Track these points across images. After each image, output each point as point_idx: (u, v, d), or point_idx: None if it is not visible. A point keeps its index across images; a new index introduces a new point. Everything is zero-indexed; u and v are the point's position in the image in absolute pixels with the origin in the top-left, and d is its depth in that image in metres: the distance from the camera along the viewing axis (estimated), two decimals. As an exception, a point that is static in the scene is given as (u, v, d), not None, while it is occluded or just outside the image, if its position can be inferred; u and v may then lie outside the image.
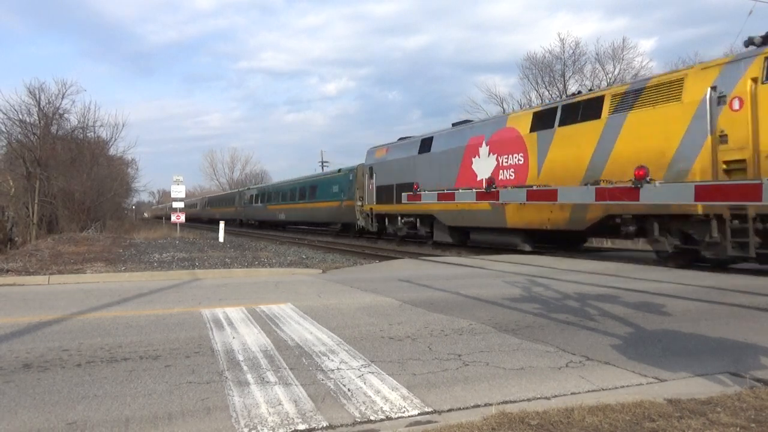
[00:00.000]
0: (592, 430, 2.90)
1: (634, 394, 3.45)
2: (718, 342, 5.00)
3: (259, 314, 6.23)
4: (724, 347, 4.81)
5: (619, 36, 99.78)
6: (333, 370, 4.05)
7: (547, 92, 51.42)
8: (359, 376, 3.90)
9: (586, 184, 14.10)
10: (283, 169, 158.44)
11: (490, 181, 17.19)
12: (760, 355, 4.51)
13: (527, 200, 15.71)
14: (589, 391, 3.59)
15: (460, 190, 18.74)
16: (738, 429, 2.89)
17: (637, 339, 5.09)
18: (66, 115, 31.21)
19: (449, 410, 3.26)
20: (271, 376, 3.90)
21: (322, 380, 3.82)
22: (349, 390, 3.60)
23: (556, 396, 3.50)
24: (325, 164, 67.08)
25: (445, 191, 19.58)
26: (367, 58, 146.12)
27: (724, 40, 67.87)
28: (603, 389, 3.65)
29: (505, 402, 3.37)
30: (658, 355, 4.51)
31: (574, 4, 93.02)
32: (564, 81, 50.61)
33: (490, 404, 3.32)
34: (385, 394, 3.53)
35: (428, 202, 20.28)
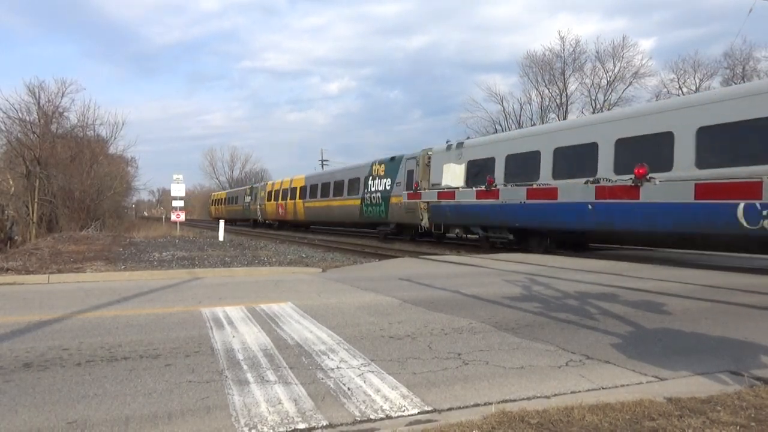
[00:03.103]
0: (592, 428, 2.90)
1: (634, 393, 3.45)
2: (719, 341, 4.99)
3: (259, 313, 6.23)
4: (725, 346, 4.81)
5: (618, 36, 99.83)
6: (333, 369, 4.05)
7: (547, 90, 51.42)
8: (359, 375, 3.90)
9: (586, 182, 14.19)
10: (283, 168, 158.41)
11: (491, 180, 17.15)
12: (760, 354, 4.51)
13: (527, 199, 15.89)
14: (589, 390, 3.59)
15: (460, 189, 18.86)
16: (738, 428, 2.89)
17: (638, 338, 5.09)
18: (66, 114, 31.22)
19: (449, 409, 3.26)
20: (271, 375, 3.90)
21: (322, 379, 3.81)
22: (349, 389, 3.60)
23: (556, 395, 3.50)
24: (325, 163, 66.85)
25: (445, 190, 19.66)
26: (368, 59, 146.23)
27: (723, 40, 67.90)
28: (603, 388, 3.65)
29: (505, 401, 3.37)
30: (658, 354, 4.51)
31: (573, 6, 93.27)
32: (564, 79, 50.57)
33: (490, 403, 3.32)
34: (385, 393, 3.53)
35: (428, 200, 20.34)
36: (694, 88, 44.13)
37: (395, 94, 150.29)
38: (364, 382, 3.76)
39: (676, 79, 46.40)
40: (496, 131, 50.55)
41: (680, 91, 44.49)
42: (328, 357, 4.39)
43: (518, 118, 52.95)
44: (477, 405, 3.31)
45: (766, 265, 12.32)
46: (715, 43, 76.65)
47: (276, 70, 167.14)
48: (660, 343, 4.88)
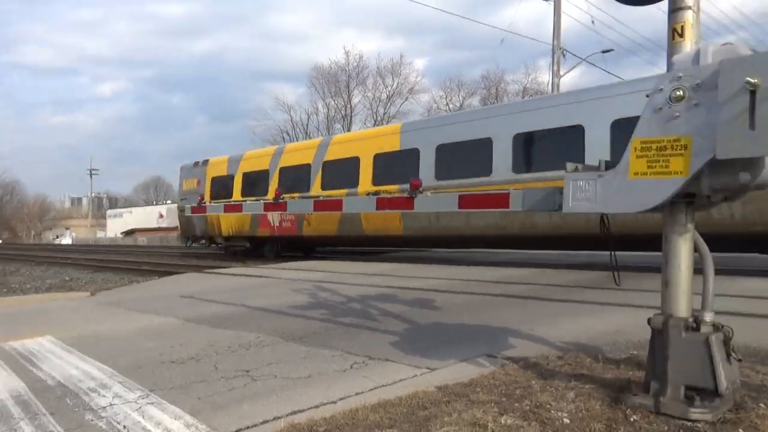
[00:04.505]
0: (375, 427, 3.09)
1: (410, 387, 3.77)
2: (477, 329, 5.73)
3: (8, 353, 5.29)
4: (482, 333, 5.54)
5: (396, 54, 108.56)
6: (105, 408, 3.64)
7: (333, 102, 53.51)
8: (137, 410, 3.57)
9: (368, 194, 15.22)
10: (43, 177, 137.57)
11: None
12: (509, 337, 5.29)
13: (314, 210, 16.30)
14: (371, 390, 3.81)
15: (247, 201, 18.72)
16: (492, 405, 3.34)
17: (413, 334, 5.58)
18: None
19: (237, 431, 3.17)
20: (25, 426, 3.35)
21: (92, 421, 3.40)
22: (125, 427, 3.27)
23: (342, 398, 3.64)
24: (94, 172, 59.54)
25: (233, 203, 19.29)
26: (149, 59, 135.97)
27: (480, 64, 78.86)
28: (383, 386, 3.90)
29: (294, 412, 3.40)
30: (430, 347, 5.00)
31: (357, 23, 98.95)
32: (349, 91, 53.21)
33: (279, 417, 3.32)
34: (166, 425, 3.29)
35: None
36: (458, 105, 50.06)
37: (178, 98, 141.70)
38: (143, 416, 3.45)
39: (445, 96, 52.25)
40: (284, 140, 50.90)
41: (448, 108, 50.07)
42: (99, 394, 3.93)
43: (305, 127, 54.19)
44: (265, 422, 3.28)
45: (507, 259, 14.52)
46: (478, 65, 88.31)
47: (37, 66, 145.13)
48: (431, 337, 5.42)
